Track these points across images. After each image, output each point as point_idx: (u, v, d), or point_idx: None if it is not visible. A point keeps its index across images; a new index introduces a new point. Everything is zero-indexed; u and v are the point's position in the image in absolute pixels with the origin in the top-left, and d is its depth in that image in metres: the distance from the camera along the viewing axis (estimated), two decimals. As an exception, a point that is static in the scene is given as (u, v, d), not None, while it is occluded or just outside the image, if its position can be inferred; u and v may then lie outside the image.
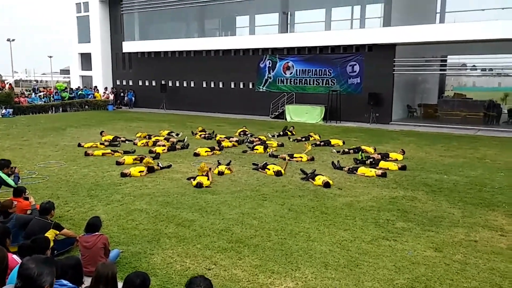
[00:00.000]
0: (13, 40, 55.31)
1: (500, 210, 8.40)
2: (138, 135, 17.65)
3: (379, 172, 11.33)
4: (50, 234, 5.97)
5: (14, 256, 4.54)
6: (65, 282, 3.85)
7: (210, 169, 11.16)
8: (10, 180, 7.11)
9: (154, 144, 15.61)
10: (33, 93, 32.47)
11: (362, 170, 11.58)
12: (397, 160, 13.08)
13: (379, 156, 13.29)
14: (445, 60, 26.67)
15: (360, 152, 13.78)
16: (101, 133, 17.26)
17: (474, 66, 26.69)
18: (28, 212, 7.21)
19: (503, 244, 6.70)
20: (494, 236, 7.04)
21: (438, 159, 13.75)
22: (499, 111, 24.78)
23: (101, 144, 15.39)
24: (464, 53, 26.33)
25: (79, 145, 15.41)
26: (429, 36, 22.00)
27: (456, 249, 6.52)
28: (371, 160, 12.76)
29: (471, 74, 30.80)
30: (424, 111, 27.54)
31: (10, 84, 37.56)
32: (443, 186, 10.28)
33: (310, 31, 26.35)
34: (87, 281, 4.20)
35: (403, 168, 12.00)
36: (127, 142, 16.46)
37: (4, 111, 26.43)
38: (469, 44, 22.46)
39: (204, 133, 18.45)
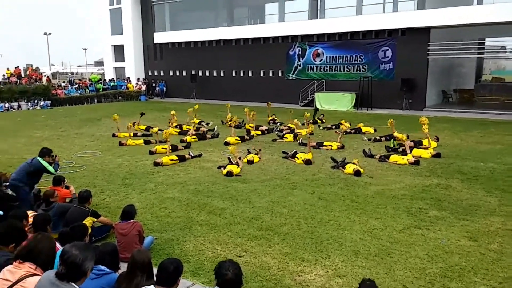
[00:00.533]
0: (50, 33, 57.12)
1: (540, 199, 8.09)
2: (169, 123, 17.94)
3: (412, 160, 11.10)
4: (88, 221, 6.22)
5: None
6: (102, 267, 4.04)
7: (240, 157, 11.27)
8: (50, 168, 7.43)
9: (185, 132, 15.84)
10: (70, 85, 33.55)
11: (394, 158, 11.39)
12: (430, 147, 12.74)
13: (412, 143, 12.98)
14: (483, 43, 25.56)
15: (392, 140, 13.53)
16: (141, 115, 17.48)
17: (514, 48, 25.51)
18: (67, 200, 7.54)
19: (542, 234, 6.47)
20: (533, 226, 6.80)
21: (474, 146, 13.32)
22: (541, 95, 23.64)
23: (134, 134, 15.74)
24: (504, 35, 25.15)
25: (114, 135, 15.87)
26: (466, 19, 21.13)
27: (492, 238, 6.35)
28: (404, 147, 12.49)
29: (511, 57, 29.42)
30: (460, 97, 26.63)
31: (47, 76, 38.87)
32: (479, 174, 9.98)
33: (340, 16, 25.84)
34: (123, 266, 4.37)
35: (437, 155, 11.71)
36: (159, 132, 16.77)
37: (42, 103, 27.49)
38: (508, 26, 21.40)
39: (233, 122, 18.52)
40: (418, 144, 12.91)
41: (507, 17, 19.97)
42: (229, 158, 11.40)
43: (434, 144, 13.02)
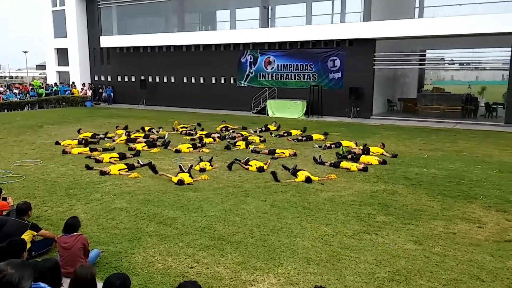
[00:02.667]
0: (-13, 35, 53.83)
1: (478, 203, 8.58)
2: (118, 132, 17.39)
3: (361, 166, 11.42)
4: (27, 235, 5.83)
5: (-11, 259, 4.41)
6: (43, 285, 3.75)
7: (191, 166, 11.08)
8: None
9: (133, 140, 15.37)
10: (8, 90, 31.65)
11: (343, 164, 11.66)
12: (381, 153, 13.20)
13: (360, 150, 13.40)
14: (424, 55, 27.07)
15: (341, 147, 13.88)
16: (78, 131, 16.93)
17: (452, 60, 27.19)
18: (4, 213, 7.03)
19: (480, 236, 6.84)
20: (472, 228, 7.18)
21: (417, 153, 13.95)
22: (476, 105, 25.30)
23: (79, 142, 15.07)
24: (443, 48, 26.78)
25: (57, 143, 15.09)
26: (408, 31, 22.26)
27: (436, 241, 6.63)
28: (353, 154, 12.85)
29: (450, 68, 31.37)
30: (404, 105, 27.95)
31: (-16, 80, 36.52)
32: (423, 179, 10.44)
33: (291, 25, 26.35)
34: (66, 282, 4.10)
35: (384, 162, 12.14)
36: (106, 139, 16.19)
37: (-22, 108, 25.70)
38: (447, 39, 22.83)
39: (185, 129, 18.30)
40: (366, 151, 13.33)
41: (446, 30, 21.27)
42: (180, 167, 11.17)
43: (381, 151, 13.50)
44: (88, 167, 11.25)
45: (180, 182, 9.74)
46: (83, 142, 15.05)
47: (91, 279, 3.78)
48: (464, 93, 25.75)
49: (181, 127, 18.55)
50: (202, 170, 11.07)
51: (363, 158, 12.37)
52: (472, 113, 24.71)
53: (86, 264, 4.42)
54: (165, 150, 14.22)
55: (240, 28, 28.95)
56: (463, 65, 25.67)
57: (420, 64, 26.92)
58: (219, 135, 16.61)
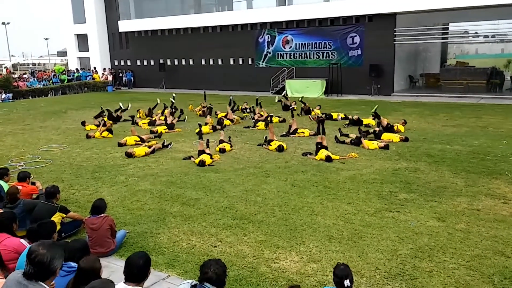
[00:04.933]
0: (8, 23, 54.69)
1: (503, 178, 8.42)
2: (139, 115, 17.60)
3: (382, 144, 11.31)
4: (57, 217, 6.04)
5: (22, 241, 4.62)
6: (73, 264, 3.93)
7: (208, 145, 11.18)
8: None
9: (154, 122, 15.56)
10: (32, 77, 32.31)
11: (364, 143, 11.55)
12: (399, 131, 13.00)
13: (382, 128, 13.22)
14: (447, 28, 26.23)
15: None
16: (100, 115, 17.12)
17: (476, 33, 26.26)
18: (34, 196, 7.28)
19: (505, 212, 6.74)
20: (497, 204, 7.07)
21: (440, 129, 13.70)
22: (502, 78, 24.50)
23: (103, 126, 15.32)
24: (466, 20, 25.84)
25: (83, 124, 15.51)
26: (429, 4, 21.55)
27: (459, 218, 6.57)
28: (374, 132, 12.71)
29: (474, 42, 30.32)
30: (426, 81, 27.30)
31: (7, 68, 37.27)
32: (446, 156, 10.28)
33: (308, 3, 25.83)
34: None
35: (405, 139, 11.97)
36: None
37: (4, 95, 26.36)
38: (470, 11, 21.99)
39: (203, 107, 18.44)
40: (387, 128, 13.10)
41: (470, 2, 20.49)
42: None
43: (402, 128, 13.30)
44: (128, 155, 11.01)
45: (202, 163, 9.86)
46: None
47: (96, 269, 3.64)
48: (489, 67, 24.88)
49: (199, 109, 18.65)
50: (222, 151, 11.16)
51: (385, 135, 12.23)
52: (498, 87, 23.96)
53: (91, 257, 4.23)
54: (185, 132, 14.35)
55: (257, 7, 28.58)
56: (488, 38, 24.74)
57: (443, 38, 26.12)
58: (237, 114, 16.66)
